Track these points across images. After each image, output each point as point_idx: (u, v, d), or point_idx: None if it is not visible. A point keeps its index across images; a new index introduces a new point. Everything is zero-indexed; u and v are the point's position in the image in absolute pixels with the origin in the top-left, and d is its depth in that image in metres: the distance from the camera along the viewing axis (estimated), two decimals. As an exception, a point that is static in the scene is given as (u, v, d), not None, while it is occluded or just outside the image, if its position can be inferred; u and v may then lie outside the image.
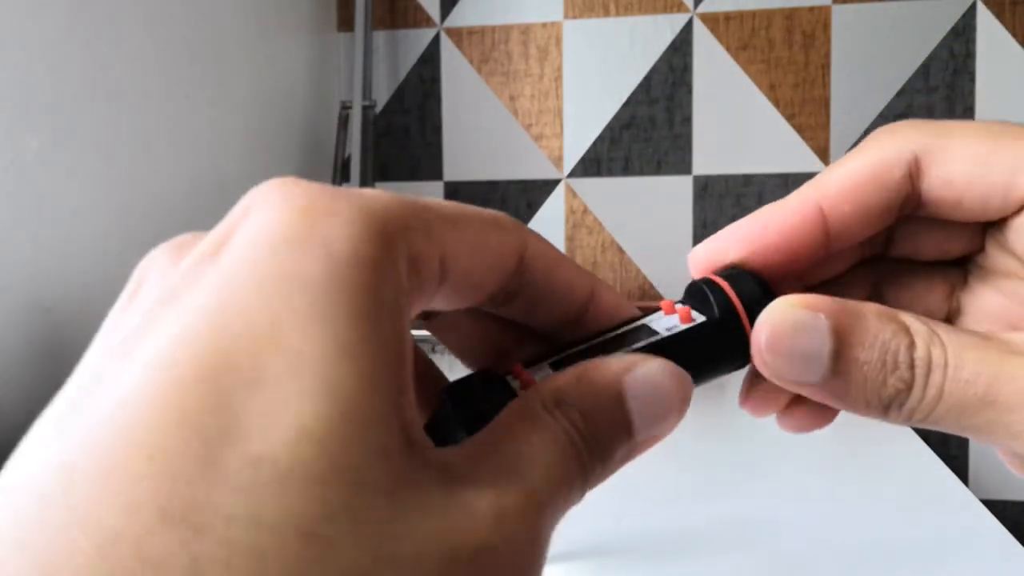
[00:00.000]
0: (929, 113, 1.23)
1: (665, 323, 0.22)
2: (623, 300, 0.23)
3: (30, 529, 0.13)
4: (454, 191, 1.36)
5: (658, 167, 1.30)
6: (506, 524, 0.16)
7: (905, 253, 0.27)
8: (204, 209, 1.06)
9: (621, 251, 1.32)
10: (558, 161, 1.33)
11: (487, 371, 0.22)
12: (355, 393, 0.15)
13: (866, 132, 1.25)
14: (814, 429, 0.25)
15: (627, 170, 1.31)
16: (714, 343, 0.21)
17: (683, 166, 1.30)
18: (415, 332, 0.20)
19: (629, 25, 1.29)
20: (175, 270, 0.18)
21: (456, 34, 1.34)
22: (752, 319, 0.21)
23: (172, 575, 0.12)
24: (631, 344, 0.21)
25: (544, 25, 1.32)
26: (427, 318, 0.24)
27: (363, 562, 0.13)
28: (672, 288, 1.30)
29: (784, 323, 0.21)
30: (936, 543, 0.50)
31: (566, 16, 1.31)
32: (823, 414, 0.25)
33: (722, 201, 1.29)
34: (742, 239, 0.24)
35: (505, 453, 0.17)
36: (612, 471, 0.20)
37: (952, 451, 1.19)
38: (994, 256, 0.25)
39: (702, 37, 1.28)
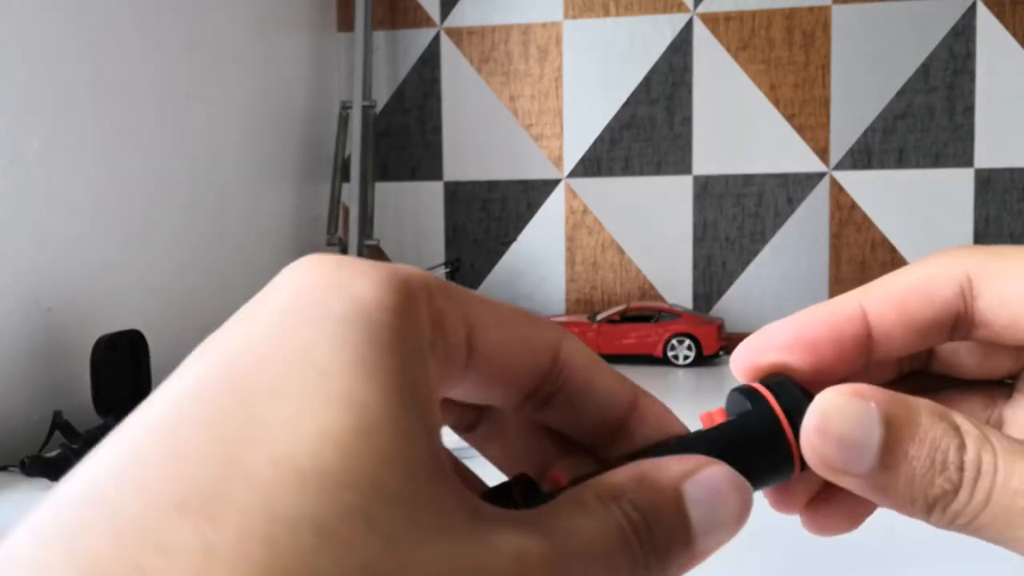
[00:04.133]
0: (929, 113, 1.23)
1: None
2: (669, 413, 0.22)
3: (69, 522, 0.13)
4: (454, 191, 1.36)
5: (658, 167, 1.30)
6: (526, 568, 0.15)
7: (947, 371, 0.26)
8: (204, 209, 1.06)
9: (621, 251, 1.32)
10: (558, 161, 1.32)
11: (525, 476, 0.21)
12: (380, 407, 0.15)
13: (866, 132, 1.25)
14: (841, 532, 0.23)
15: (627, 170, 1.31)
16: (757, 455, 0.21)
17: (683, 166, 1.30)
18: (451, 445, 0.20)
19: (629, 25, 1.29)
20: None
21: (456, 34, 1.34)
22: (795, 429, 0.21)
23: (185, 559, 0.12)
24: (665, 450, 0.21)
25: (544, 25, 1.32)
26: (469, 430, 0.23)
27: (377, 564, 0.13)
28: (672, 288, 1.30)
29: (836, 409, 0.20)
30: (939, 541, 0.50)
31: (566, 16, 1.31)
32: (853, 515, 0.23)
33: (722, 201, 1.29)
34: (783, 340, 0.23)
35: (545, 518, 0.17)
36: (672, 575, 0.19)
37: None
38: None
39: (702, 37, 1.28)
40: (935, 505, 0.20)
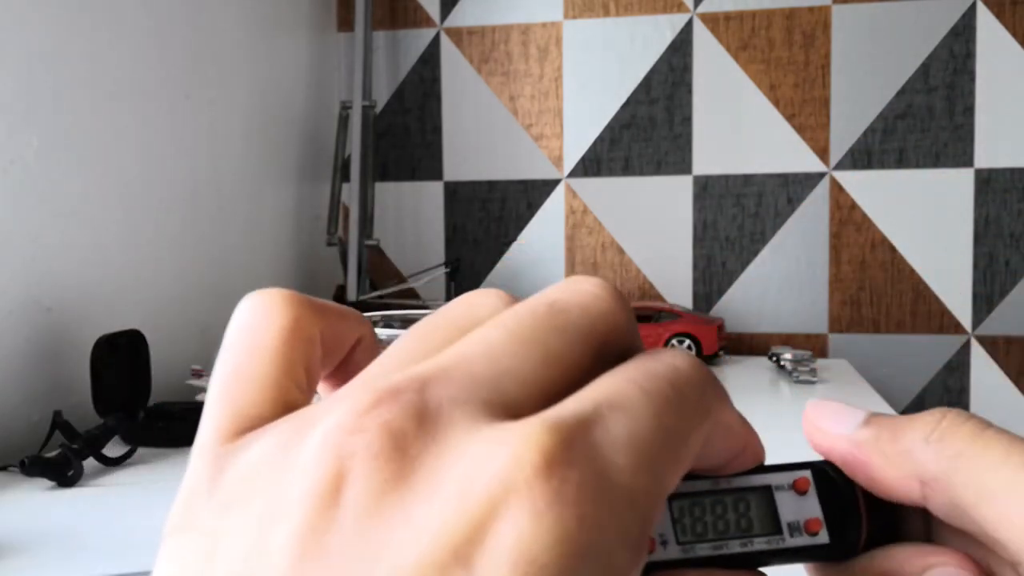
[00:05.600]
0: (929, 113, 1.23)
1: (789, 504, 0.22)
2: (763, 450, 0.22)
3: None
4: (454, 191, 1.36)
5: (658, 167, 1.30)
6: None
7: None
8: (204, 209, 1.06)
9: (621, 251, 1.32)
10: (558, 161, 1.32)
11: None
12: None
13: (866, 132, 1.25)
14: None
15: (627, 170, 1.31)
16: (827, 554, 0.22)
17: (683, 166, 1.30)
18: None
19: (629, 25, 1.29)
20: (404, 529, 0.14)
21: (456, 34, 1.34)
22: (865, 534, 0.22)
23: None
24: (752, 534, 0.21)
25: (544, 25, 1.32)
26: None
27: None
28: (672, 288, 1.30)
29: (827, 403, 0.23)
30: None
31: (566, 16, 1.31)
32: None
33: (722, 201, 1.29)
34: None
35: None
36: None
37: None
38: None
39: (702, 37, 1.28)
40: (926, 439, 0.20)
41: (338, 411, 0.15)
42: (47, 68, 0.81)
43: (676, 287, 1.31)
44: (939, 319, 1.25)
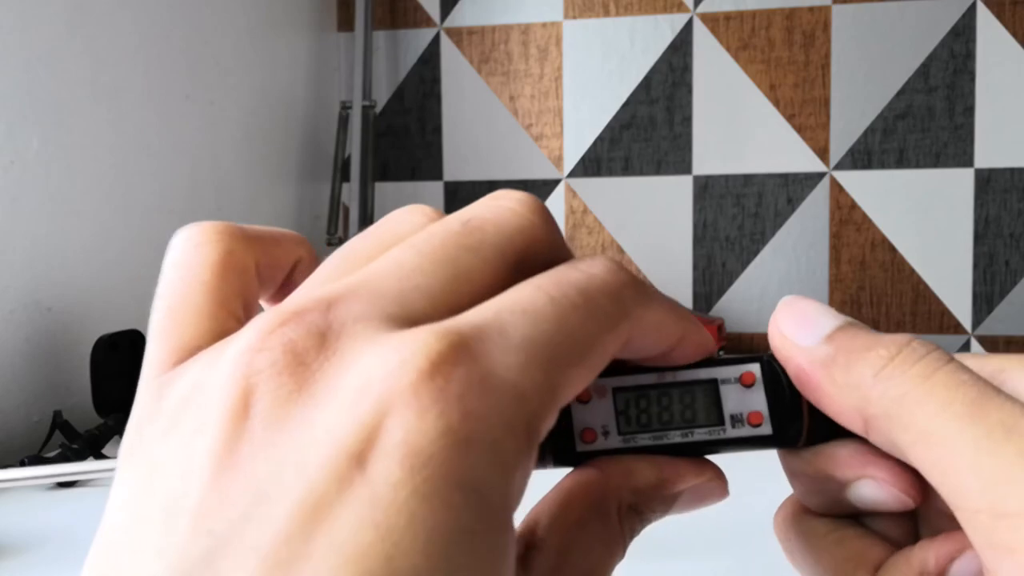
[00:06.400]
0: (929, 113, 1.23)
1: (733, 397, 0.22)
2: (708, 340, 0.22)
3: None
4: (454, 191, 1.36)
5: (658, 167, 1.30)
6: None
7: None
8: (204, 209, 1.06)
9: (621, 251, 1.32)
10: (558, 161, 1.32)
11: (557, 429, 0.22)
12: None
13: (866, 132, 1.25)
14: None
15: (627, 170, 1.31)
16: (768, 444, 0.23)
17: (683, 166, 1.30)
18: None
19: (629, 25, 1.29)
20: (298, 423, 0.15)
21: (456, 34, 1.34)
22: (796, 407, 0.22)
23: None
24: (695, 425, 0.22)
25: (544, 25, 1.32)
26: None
27: None
28: (672, 287, 1.30)
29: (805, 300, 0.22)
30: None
31: (566, 16, 1.31)
32: None
33: (722, 201, 1.29)
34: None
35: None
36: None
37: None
38: None
39: (702, 37, 1.28)
40: (875, 375, 0.20)
41: (248, 333, 0.16)
42: (47, 68, 0.81)
43: (676, 287, 1.31)
44: (939, 319, 1.25)
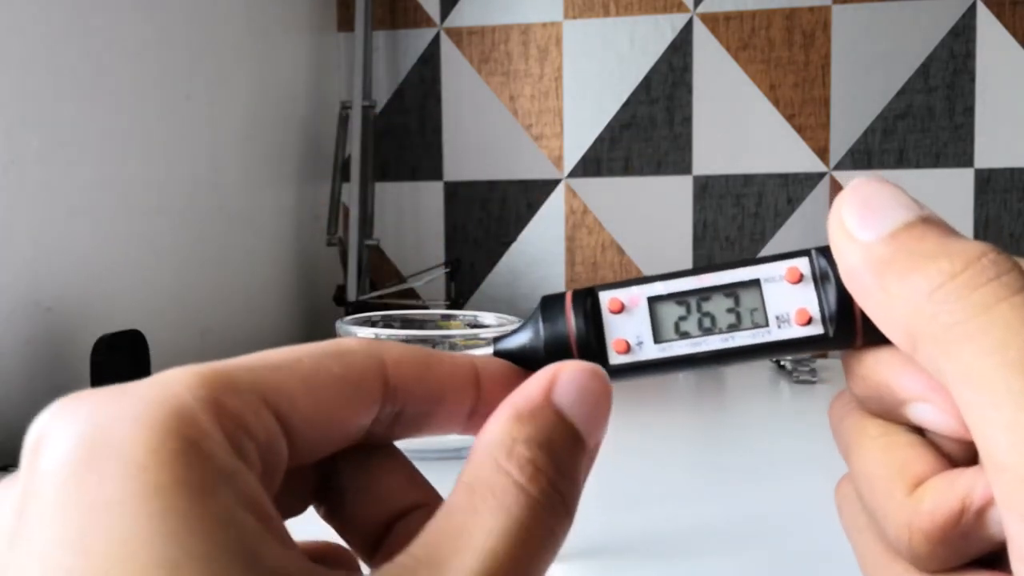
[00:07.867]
0: (929, 113, 1.23)
1: (777, 296, 0.20)
2: (510, 367, 0.21)
3: None
4: (454, 191, 1.36)
5: (658, 167, 1.30)
6: None
7: None
8: (204, 209, 1.06)
9: (621, 251, 1.32)
10: (558, 161, 1.33)
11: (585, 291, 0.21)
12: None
13: (866, 132, 1.25)
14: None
15: (627, 170, 1.31)
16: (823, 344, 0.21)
17: (683, 166, 1.30)
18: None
19: (629, 25, 1.29)
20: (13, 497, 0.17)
21: (456, 34, 1.34)
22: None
23: None
24: (739, 328, 0.20)
25: (544, 25, 1.32)
26: (331, 516, 0.22)
27: None
28: (672, 288, 1.30)
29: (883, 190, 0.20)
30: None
31: (566, 16, 1.31)
32: None
33: (722, 201, 1.29)
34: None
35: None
36: (582, 486, 0.19)
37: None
38: None
39: (702, 37, 1.28)
40: (931, 292, 0.18)
41: None
42: (47, 68, 0.81)
43: (676, 287, 1.31)
44: (939, 319, 1.25)
